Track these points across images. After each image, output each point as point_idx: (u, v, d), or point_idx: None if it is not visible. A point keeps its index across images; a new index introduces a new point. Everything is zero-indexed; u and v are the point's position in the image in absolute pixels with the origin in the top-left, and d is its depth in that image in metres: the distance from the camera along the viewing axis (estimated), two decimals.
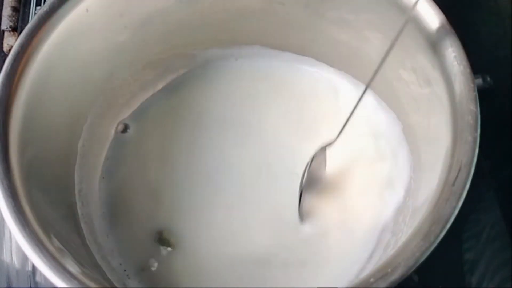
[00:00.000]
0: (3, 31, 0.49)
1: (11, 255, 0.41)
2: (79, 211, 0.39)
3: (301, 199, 0.39)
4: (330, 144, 0.38)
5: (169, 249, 0.40)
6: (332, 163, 0.41)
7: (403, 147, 0.41)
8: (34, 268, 0.41)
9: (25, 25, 0.34)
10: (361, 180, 0.41)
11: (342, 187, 0.41)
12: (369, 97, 0.43)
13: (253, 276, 0.39)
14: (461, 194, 0.28)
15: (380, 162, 0.42)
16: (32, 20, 0.34)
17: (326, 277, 0.38)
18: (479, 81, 0.35)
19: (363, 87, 0.43)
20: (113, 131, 0.45)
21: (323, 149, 0.39)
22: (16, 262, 0.41)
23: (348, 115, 0.36)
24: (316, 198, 0.41)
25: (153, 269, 0.39)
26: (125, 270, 0.39)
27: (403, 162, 0.41)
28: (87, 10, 0.36)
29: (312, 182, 0.40)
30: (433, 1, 0.33)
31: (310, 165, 0.39)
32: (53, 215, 0.33)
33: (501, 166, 0.44)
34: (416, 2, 0.31)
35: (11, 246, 0.42)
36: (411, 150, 0.40)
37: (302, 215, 0.40)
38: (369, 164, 0.42)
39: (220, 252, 0.40)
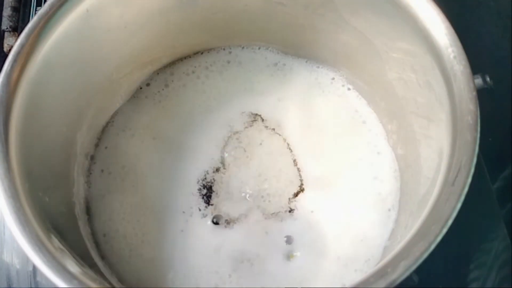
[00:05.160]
0: (4, 31, 0.49)
1: (12, 255, 0.41)
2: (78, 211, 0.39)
3: None
4: None
5: None
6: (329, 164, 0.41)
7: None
8: (34, 268, 0.41)
9: (25, 25, 0.34)
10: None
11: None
12: (365, 98, 0.43)
13: None
14: (460, 194, 0.28)
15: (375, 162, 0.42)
16: (32, 20, 0.34)
17: None
18: (479, 81, 0.35)
19: (362, 86, 0.43)
20: (113, 131, 0.45)
21: None
22: (16, 262, 0.41)
23: None
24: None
25: None
26: None
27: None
28: (87, 11, 0.36)
29: None
30: (433, 1, 0.33)
31: None
32: (53, 215, 0.33)
33: (501, 167, 0.44)
34: None
35: (11, 246, 0.42)
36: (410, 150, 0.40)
37: None
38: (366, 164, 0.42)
39: None
